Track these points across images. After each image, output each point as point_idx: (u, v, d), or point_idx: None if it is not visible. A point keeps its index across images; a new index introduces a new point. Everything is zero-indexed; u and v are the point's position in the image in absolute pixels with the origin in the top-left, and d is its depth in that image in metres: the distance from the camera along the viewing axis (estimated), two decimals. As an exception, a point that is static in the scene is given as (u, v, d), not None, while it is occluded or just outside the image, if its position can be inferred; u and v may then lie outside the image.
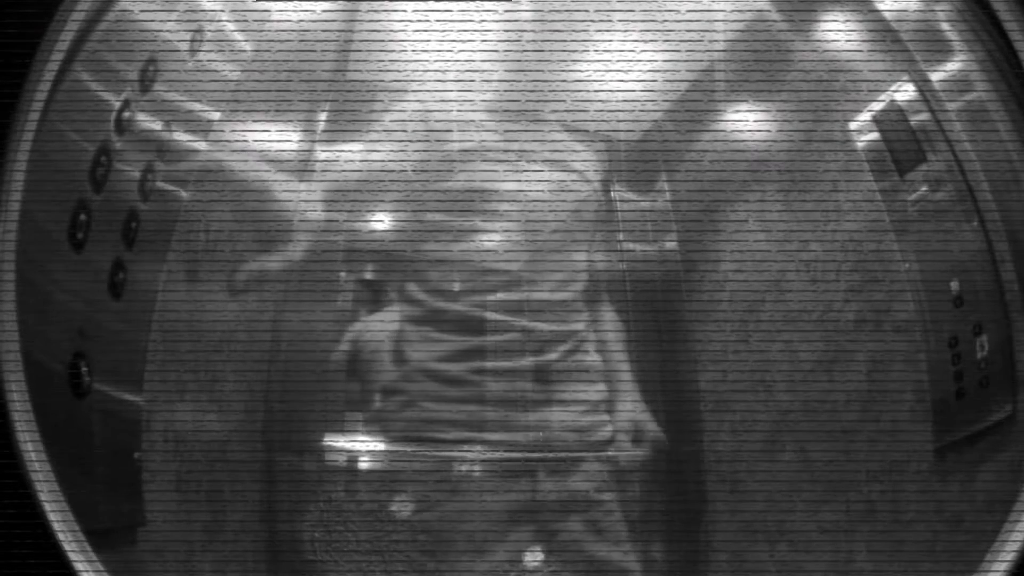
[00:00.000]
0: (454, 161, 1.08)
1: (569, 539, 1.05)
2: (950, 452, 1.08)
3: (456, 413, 1.02)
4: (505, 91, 1.13)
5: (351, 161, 1.09)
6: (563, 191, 1.10)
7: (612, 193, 1.16)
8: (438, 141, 1.08)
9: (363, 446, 1.13)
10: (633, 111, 1.15)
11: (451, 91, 1.13)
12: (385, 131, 1.08)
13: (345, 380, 1.13)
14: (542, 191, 1.09)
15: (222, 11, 1.13)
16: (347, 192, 1.10)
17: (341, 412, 1.16)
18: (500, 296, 1.05)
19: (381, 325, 1.09)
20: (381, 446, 1.13)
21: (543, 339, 1.05)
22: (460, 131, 1.08)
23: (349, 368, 1.13)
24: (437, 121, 1.08)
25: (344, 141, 1.17)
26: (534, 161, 1.10)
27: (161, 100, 1.05)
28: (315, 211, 1.13)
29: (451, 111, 1.08)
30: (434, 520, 1.01)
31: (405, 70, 1.13)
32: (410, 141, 1.07)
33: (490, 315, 1.05)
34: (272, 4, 1.13)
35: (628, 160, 1.17)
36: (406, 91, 1.14)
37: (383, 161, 1.08)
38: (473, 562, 1.01)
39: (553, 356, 1.05)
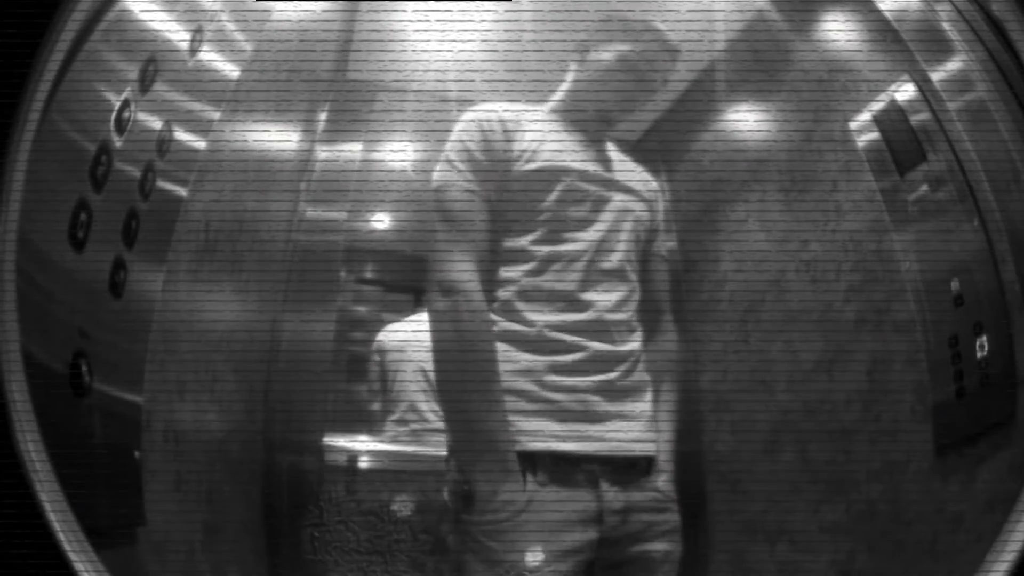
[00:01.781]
0: (529, 179, 1.09)
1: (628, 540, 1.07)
2: (950, 451, 1.08)
3: (525, 423, 1.04)
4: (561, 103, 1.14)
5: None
6: (624, 210, 1.11)
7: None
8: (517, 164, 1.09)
9: (363, 446, 1.13)
10: (633, 111, 1.15)
11: (451, 91, 1.13)
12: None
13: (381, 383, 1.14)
14: (606, 212, 1.10)
15: (222, 11, 1.13)
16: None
17: (342, 411, 1.16)
18: (564, 317, 1.06)
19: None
20: (382, 446, 1.13)
21: (604, 359, 1.06)
22: (534, 145, 1.09)
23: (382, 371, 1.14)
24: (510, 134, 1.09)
25: (344, 141, 1.18)
26: (600, 181, 1.11)
27: (161, 100, 1.05)
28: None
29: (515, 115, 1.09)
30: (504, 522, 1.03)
31: (405, 70, 1.13)
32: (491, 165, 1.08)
33: (555, 334, 1.06)
34: (272, 4, 1.13)
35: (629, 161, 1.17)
36: (406, 91, 1.14)
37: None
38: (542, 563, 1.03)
39: (613, 375, 1.07)
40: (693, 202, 1.21)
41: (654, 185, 1.15)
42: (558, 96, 1.14)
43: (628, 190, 1.12)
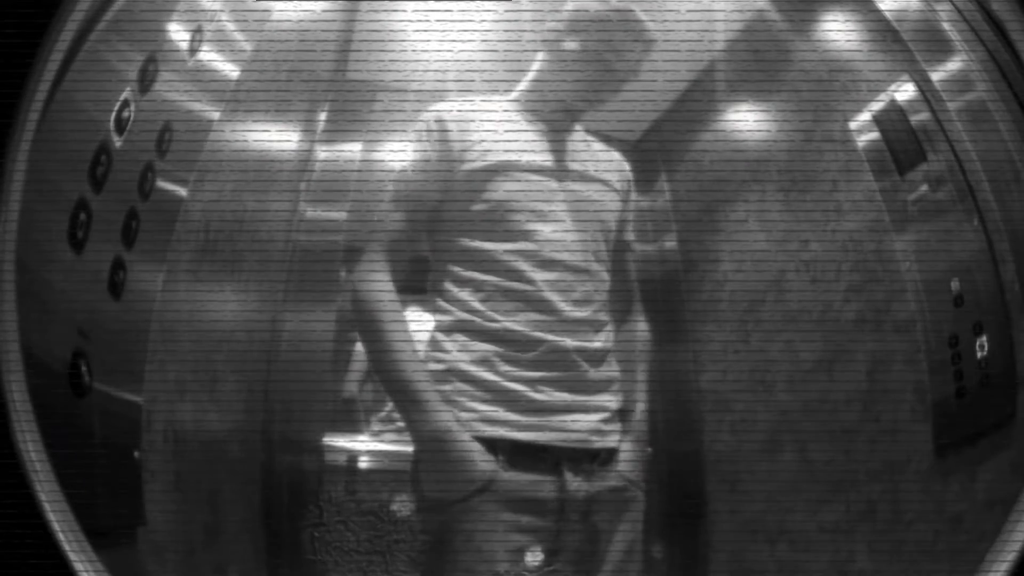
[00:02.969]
0: (479, 178, 1.08)
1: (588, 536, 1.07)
2: (950, 451, 1.08)
3: (482, 410, 1.04)
4: (523, 98, 1.13)
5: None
6: (587, 201, 1.10)
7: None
8: (467, 159, 1.08)
9: (363, 446, 1.13)
10: (633, 111, 1.15)
11: (451, 91, 1.13)
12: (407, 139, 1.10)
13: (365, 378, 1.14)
14: (567, 206, 1.09)
15: (222, 11, 1.13)
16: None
17: (342, 411, 1.16)
18: (520, 314, 1.06)
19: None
20: (382, 446, 1.13)
21: (564, 354, 1.06)
22: (486, 142, 1.09)
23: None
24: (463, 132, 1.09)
25: (344, 141, 1.18)
26: (558, 173, 1.10)
27: (161, 100, 1.05)
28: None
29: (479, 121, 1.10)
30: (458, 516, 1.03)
31: (405, 70, 1.13)
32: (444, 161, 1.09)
33: (513, 328, 1.06)
34: (272, 4, 1.13)
35: (628, 160, 1.17)
36: (406, 91, 1.14)
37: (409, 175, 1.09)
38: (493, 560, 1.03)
39: (577, 370, 1.07)
40: (693, 202, 1.20)
41: (628, 174, 1.15)
42: (520, 88, 1.14)
43: (594, 181, 1.12)
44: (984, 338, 1.06)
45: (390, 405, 1.15)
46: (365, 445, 1.14)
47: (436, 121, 1.09)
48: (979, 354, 1.07)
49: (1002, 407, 1.04)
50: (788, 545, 1.11)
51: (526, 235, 1.07)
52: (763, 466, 1.13)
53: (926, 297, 1.11)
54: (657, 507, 1.14)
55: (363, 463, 1.13)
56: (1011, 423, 1.04)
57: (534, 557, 1.03)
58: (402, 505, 1.06)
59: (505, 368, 1.05)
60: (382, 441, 1.15)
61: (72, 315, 0.97)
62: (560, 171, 1.10)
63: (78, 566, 0.88)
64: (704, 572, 1.15)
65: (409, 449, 1.12)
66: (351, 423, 1.17)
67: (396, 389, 1.07)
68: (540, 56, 1.13)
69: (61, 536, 0.88)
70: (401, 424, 1.14)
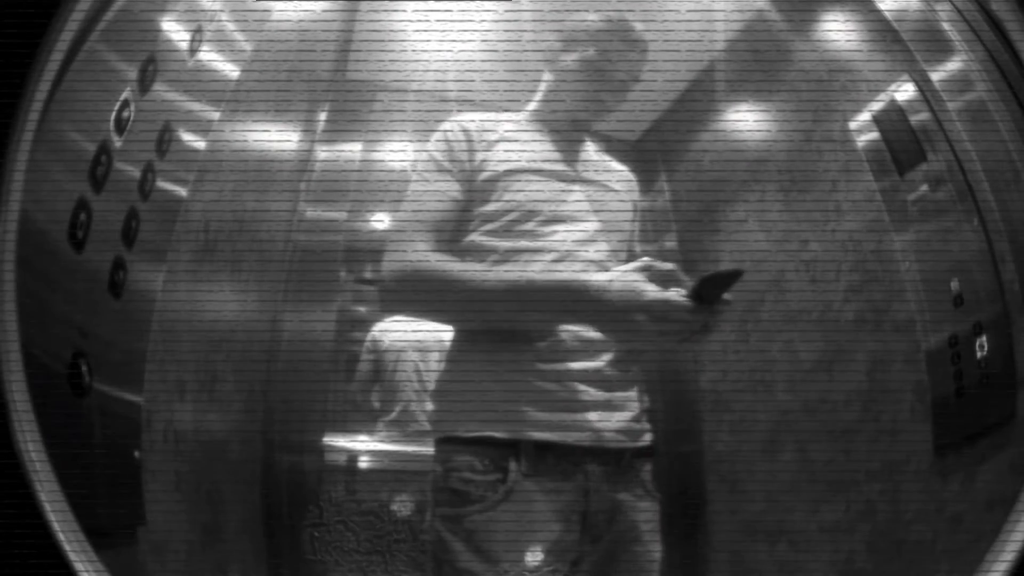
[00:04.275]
0: (498, 181, 1.09)
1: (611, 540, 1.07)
2: (950, 451, 1.08)
3: (508, 413, 1.04)
4: (537, 105, 1.14)
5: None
6: (601, 210, 1.11)
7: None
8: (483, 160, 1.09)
9: (363, 446, 1.13)
10: (633, 111, 1.15)
11: (451, 91, 1.13)
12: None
13: (376, 379, 1.14)
14: (581, 210, 1.10)
15: (222, 11, 1.13)
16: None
17: (341, 411, 1.16)
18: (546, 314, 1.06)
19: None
20: (382, 446, 1.13)
21: (587, 347, 1.06)
22: (503, 150, 1.10)
23: (380, 368, 1.14)
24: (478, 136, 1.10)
25: (344, 141, 1.18)
26: (573, 180, 1.11)
27: (161, 100, 1.05)
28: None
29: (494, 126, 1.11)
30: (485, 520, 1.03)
31: (405, 70, 1.13)
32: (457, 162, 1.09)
33: (539, 324, 1.06)
34: (272, 4, 1.14)
35: (628, 160, 1.18)
36: (406, 91, 1.14)
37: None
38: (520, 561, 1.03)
39: (599, 363, 1.07)
40: (693, 202, 1.21)
41: (634, 185, 1.16)
42: (534, 103, 1.15)
43: (604, 188, 1.13)
44: (984, 338, 1.06)
45: (399, 407, 1.16)
46: (365, 445, 1.14)
47: (462, 131, 1.10)
48: (979, 354, 1.07)
49: (1002, 407, 1.04)
50: (788, 545, 1.12)
51: (539, 233, 1.08)
52: (763, 466, 1.13)
53: (926, 297, 1.11)
54: (657, 507, 1.14)
55: (363, 463, 1.13)
56: (1011, 423, 1.04)
57: (534, 557, 1.03)
58: (402, 505, 1.06)
59: (529, 365, 1.05)
60: (383, 441, 1.15)
61: (72, 315, 0.97)
62: (573, 177, 1.11)
63: (78, 566, 0.88)
64: (704, 572, 1.15)
65: (410, 449, 1.12)
66: (351, 423, 1.17)
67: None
68: (546, 74, 1.14)
69: (61, 536, 0.88)
70: (410, 429, 1.14)
